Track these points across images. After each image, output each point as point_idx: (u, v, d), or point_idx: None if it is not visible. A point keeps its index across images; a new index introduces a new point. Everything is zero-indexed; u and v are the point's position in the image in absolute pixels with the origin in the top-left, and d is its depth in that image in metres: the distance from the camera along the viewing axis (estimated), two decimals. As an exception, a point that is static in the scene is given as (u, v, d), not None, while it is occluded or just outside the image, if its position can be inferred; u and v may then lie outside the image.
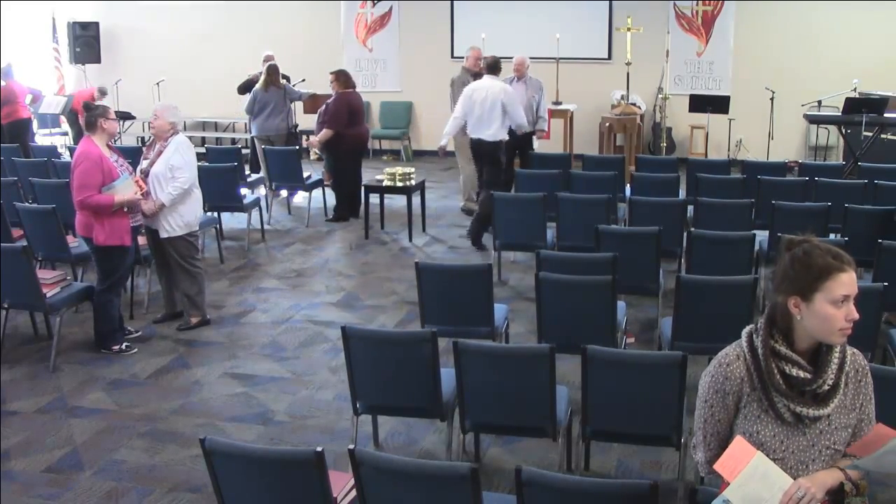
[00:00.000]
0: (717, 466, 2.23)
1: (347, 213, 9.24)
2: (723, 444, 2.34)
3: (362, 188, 9.01)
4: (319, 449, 2.74)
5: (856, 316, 2.18)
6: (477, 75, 9.17)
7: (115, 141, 6.09)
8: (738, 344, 2.33)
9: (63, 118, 12.34)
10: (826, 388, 2.23)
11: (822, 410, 2.22)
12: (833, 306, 2.17)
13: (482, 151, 8.20)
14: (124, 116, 12.22)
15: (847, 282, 2.17)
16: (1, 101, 10.24)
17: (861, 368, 2.31)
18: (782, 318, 2.26)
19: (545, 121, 9.36)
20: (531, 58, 9.47)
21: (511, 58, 9.34)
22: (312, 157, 11.67)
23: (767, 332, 2.27)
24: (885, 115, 9.67)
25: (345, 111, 8.86)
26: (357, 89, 9.35)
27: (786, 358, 2.24)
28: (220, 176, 7.99)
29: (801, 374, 2.22)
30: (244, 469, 2.86)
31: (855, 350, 2.33)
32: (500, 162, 8.29)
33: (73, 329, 6.08)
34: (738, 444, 2.23)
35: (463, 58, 9.54)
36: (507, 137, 8.27)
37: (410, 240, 8.40)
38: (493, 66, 8.24)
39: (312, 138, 9.23)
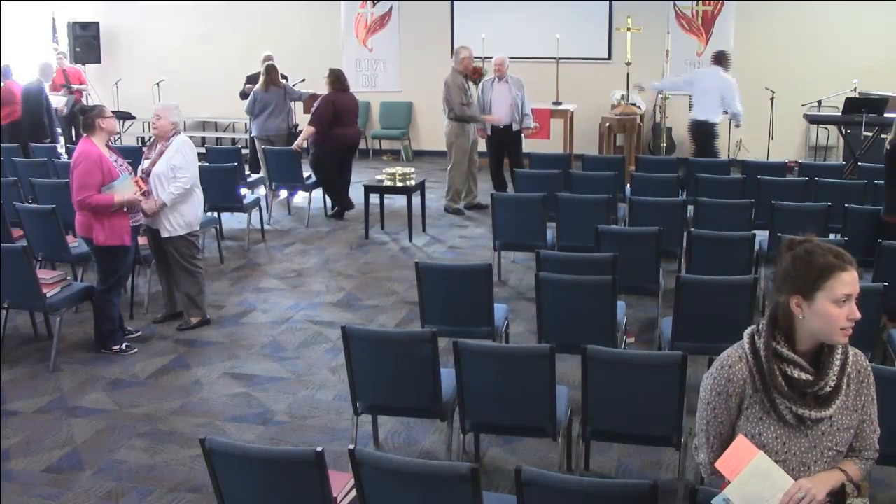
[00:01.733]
0: (718, 465, 2.23)
1: (345, 206, 9.30)
2: (725, 446, 2.33)
3: (346, 188, 9.25)
4: (319, 449, 2.74)
5: (857, 315, 2.18)
6: (468, 77, 9.19)
7: (114, 141, 6.09)
8: (739, 345, 2.33)
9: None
10: (828, 389, 2.22)
11: (824, 412, 2.22)
12: (835, 305, 2.16)
13: (692, 128, 9.56)
14: (124, 116, 12.23)
15: (849, 281, 2.17)
16: (1, 102, 10.23)
17: (863, 369, 2.31)
18: (784, 318, 2.25)
19: (531, 118, 9.41)
20: (531, 58, 9.47)
21: (491, 57, 9.37)
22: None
23: (769, 333, 2.26)
24: (885, 115, 9.66)
25: (328, 111, 8.88)
26: (354, 90, 9.37)
27: (788, 360, 2.23)
28: (220, 176, 7.99)
29: (803, 375, 2.22)
30: (244, 469, 2.86)
31: (857, 351, 2.33)
32: (710, 140, 9.44)
33: (73, 329, 6.08)
34: (740, 443, 2.23)
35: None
36: (717, 120, 9.36)
37: (410, 240, 8.40)
38: (723, 58, 9.47)
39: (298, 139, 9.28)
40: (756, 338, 2.28)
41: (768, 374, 2.23)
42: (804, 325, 2.22)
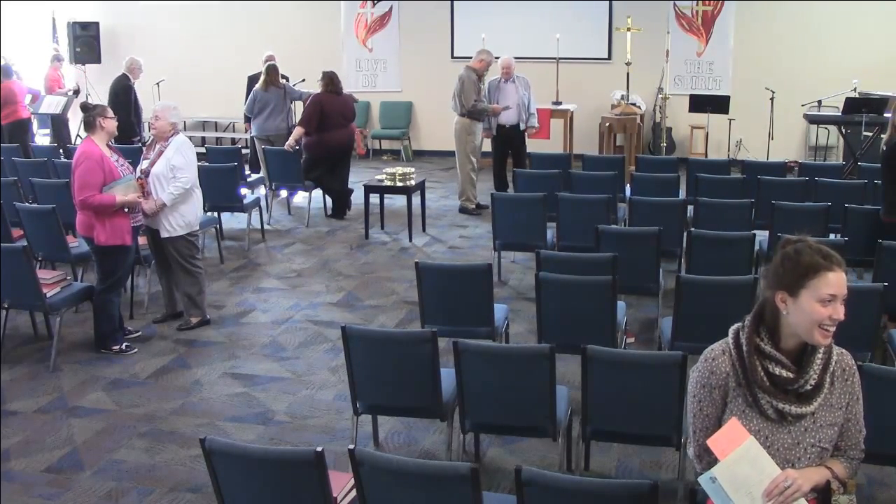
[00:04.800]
0: (709, 442, 2.25)
1: (343, 207, 9.30)
2: None
3: (338, 191, 9.24)
4: (319, 449, 2.74)
5: (841, 316, 2.19)
6: (480, 77, 9.20)
7: (114, 140, 6.09)
8: (725, 340, 2.36)
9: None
10: (808, 387, 2.24)
11: (804, 408, 2.24)
12: (819, 304, 2.19)
13: None
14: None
15: (834, 282, 2.19)
16: (1, 101, 10.23)
17: (848, 368, 2.33)
18: (771, 314, 2.28)
19: (535, 117, 9.42)
20: (531, 58, 9.45)
21: (499, 57, 9.37)
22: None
23: (753, 329, 2.30)
24: (885, 115, 9.66)
25: (315, 112, 8.90)
26: (354, 90, 9.37)
27: (770, 356, 2.26)
28: (220, 176, 7.99)
29: (784, 373, 2.24)
30: (244, 469, 2.86)
31: (843, 350, 2.35)
32: None
33: (73, 329, 6.08)
34: (733, 425, 2.25)
35: (464, 57, 9.53)
36: None
37: (410, 240, 8.41)
38: None
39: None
40: (741, 333, 2.32)
41: (749, 369, 2.25)
42: (788, 323, 2.24)
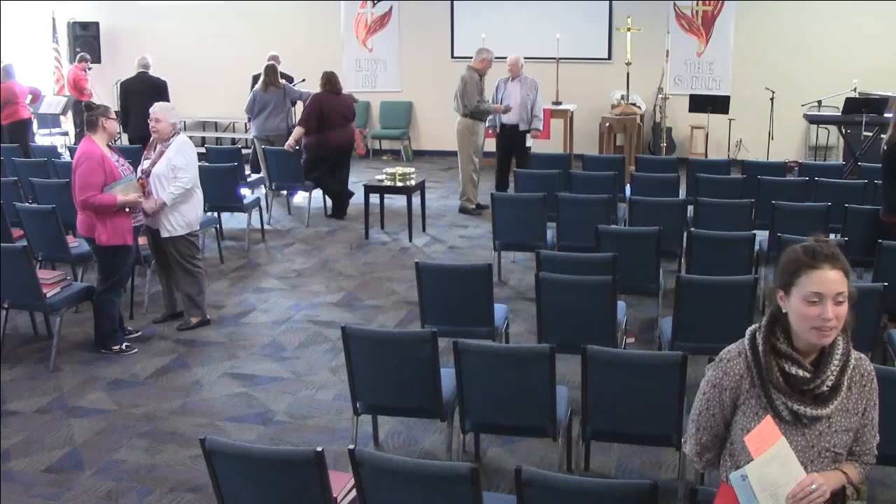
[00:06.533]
0: (746, 439, 2.23)
1: (343, 208, 9.30)
2: (714, 440, 2.37)
3: (338, 192, 9.24)
4: (319, 449, 2.74)
5: (828, 315, 2.15)
6: (483, 75, 9.20)
7: (115, 141, 6.09)
8: (741, 341, 2.35)
9: (64, 118, 12.32)
10: (825, 388, 2.23)
11: (820, 411, 2.22)
12: (804, 303, 2.17)
13: None
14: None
15: (817, 280, 2.16)
16: (1, 102, 10.23)
17: (867, 374, 2.31)
18: (783, 315, 2.27)
19: (540, 120, 9.39)
20: (531, 58, 9.42)
21: (506, 58, 9.36)
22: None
23: (769, 328, 2.28)
24: (885, 115, 9.67)
25: (314, 112, 8.92)
26: (354, 90, 9.36)
27: (786, 356, 2.24)
28: (220, 176, 7.99)
29: (801, 372, 2.22)
30: (244, 469, 2.86)
31: (862, 355, 2.33)
32: None
33: (73, 329, 6.08)
34: (768, 423, 2.22)
35: (464, 57, 9.52)
36: None
37: (410, 240, 8.41)
38: None
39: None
40: (757, 334, 2.30)
41: (765, 369, 2.24)
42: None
